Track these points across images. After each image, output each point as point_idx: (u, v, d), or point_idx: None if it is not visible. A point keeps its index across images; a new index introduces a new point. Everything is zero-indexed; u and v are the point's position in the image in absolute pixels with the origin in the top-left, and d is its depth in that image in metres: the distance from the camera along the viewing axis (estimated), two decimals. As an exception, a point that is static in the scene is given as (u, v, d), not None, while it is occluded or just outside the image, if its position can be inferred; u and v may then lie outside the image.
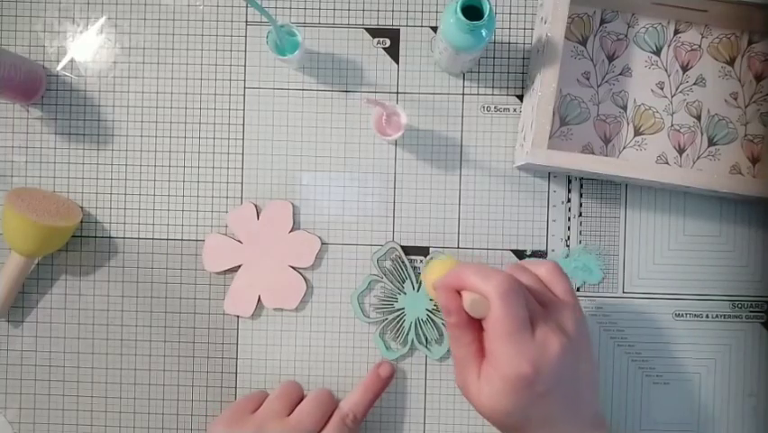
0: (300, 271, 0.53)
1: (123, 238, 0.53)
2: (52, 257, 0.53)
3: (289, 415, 0.47)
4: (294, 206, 0.53)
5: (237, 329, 0.53)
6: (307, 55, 0.53)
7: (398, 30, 0.53)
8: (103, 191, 0.53)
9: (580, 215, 0.53)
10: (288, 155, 0.53)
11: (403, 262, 0.52)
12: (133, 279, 0.53)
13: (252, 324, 0.53)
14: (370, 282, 0.52)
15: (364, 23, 0.53)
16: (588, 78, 0.52)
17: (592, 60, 0.52)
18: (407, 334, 0.52)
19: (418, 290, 0.52)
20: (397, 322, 0.52)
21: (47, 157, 0.53)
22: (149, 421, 0.53)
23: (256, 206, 0.53)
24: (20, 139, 0.53)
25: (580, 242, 0.53)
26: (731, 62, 0.52)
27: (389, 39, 0.53)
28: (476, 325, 0.41)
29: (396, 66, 0.53)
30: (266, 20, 0.45)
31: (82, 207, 0.53)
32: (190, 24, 0.53)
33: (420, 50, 0.53)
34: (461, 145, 0.53)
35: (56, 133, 0.53)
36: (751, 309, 0.53)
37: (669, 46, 0.52)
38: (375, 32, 0.53)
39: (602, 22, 0.52)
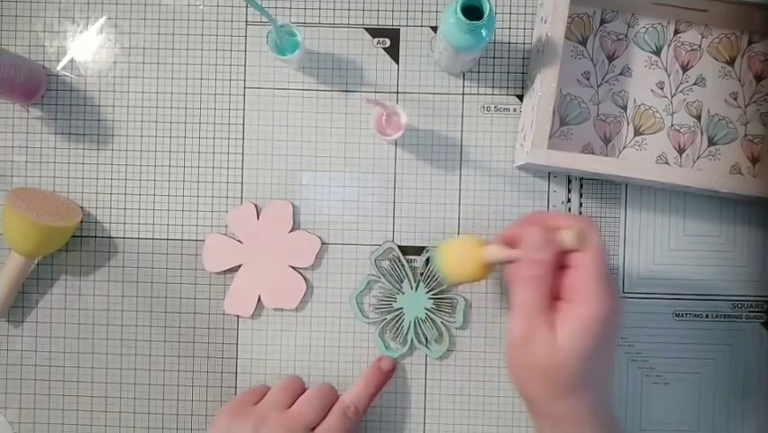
0: (300, 271, 0.53)
1: (123, 238, 0.53)
2: (52, 257, 0.53)
3: (291, 407, 0.47)
4: (294, 206, 0.53)
5: (237, 329, 0.53)
6: (307, 55, 0.53)
7: (398, 30, 0.53)
8: (103, 191, 0.53)
9: (580, 215, 0.53)
10: (288, 155, 0.53)
11: (401, 261, 0.52)
12: (133, 279, 0.53)
13: (252, 324, 0.53)
14: (368, 283, 0.52)
15: (364, 23, 0.53)
16: (588, 78, 0.52)
17: (592, 60, 0.52)
18: (407, 333, 0.52)
19: (417, 290, 0.52)
20: (397, 322, 0.52)
21: (47, 157, 0.53)
22: (149, 421, 0.53)
23: (256, 206, 0.53)
24: (20, 139, 0.53)
25: (580, 242, 0.53)
26: (731, 62, 0.52)
27: (389, 39, 0.53)
28: (553, 268, 0.41)
29: (396, 66, 0.53)
30: (266, 20, 0.45)
31: (82, 207, 0.53)
32: (190, 24, 0.53)
33: (420, 50, 0.53)
34: (461, 145, 0.53)
35: (56, 133, 0.53)
36: (751, 309, 0.53)
37: (669, 46, 0.52)
38: (375, 32, 0.53)
39: (602, 22, 0.52)
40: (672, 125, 0.52)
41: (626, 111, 0.52)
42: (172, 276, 0.53)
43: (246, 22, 0.53)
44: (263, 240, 0.52)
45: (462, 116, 0.53)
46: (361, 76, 0.53)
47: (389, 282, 0.52)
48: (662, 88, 0.52)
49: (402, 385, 0.53)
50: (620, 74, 0.52)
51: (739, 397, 0.52)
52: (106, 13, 0.53)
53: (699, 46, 0.52)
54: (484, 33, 0.44)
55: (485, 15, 0.42)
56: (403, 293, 0.52)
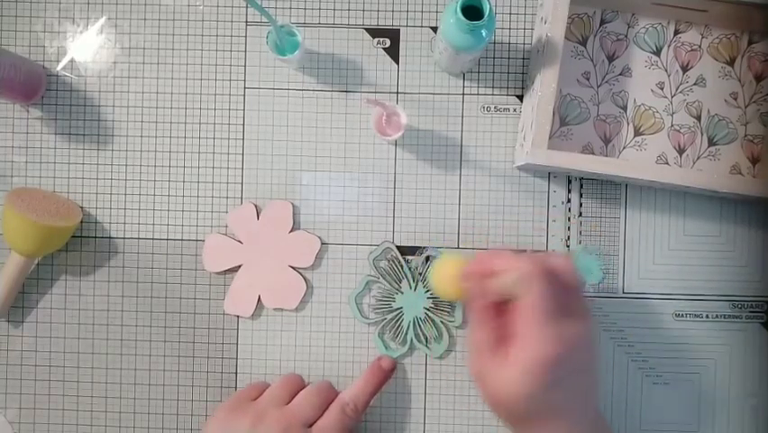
0: (300, 271, 0.53)
1: (123, 238, 0.53)
2: (52, 257, 0.53)
3: (289, 403, 0.47)
4: (294, 206, 0.53)
5: (237, 329, 0.53)
6: (307, 55, 0.53)
7: (398, 30, 0.53)
8: (103, 191, 0.53)
9: (580, 215, 0.53)
10: (288, 155, 0.53)
11: (399, 261, 0.52)
12: (133, 279, 0.53)
13: (252, 324, 0.53)
14: (367, 283, 0.52)
15: (364, 23, 0.53)
16: (588, 78, 0.52)
17: (592, 60, 0.52)
18: (406, 333, 0.52)
19: (415, 290, 0.52)
20: (396, 322, 0.52)
21: (47, 157, 0.53)
22: (149, 421, 0.53)
23: (256, 206, 0.53)
24: (20, 139, 0.53)
25: (580, 242, 0.53)
26: (731, 62, 0.52)
27: (389, 39, 0.53)
28: (499, 310, 0.41)
29: (396, 66, 0.53)
30: (266, 20, 0.45)
31: (82, 207, 0.53)
32: (190, 24, 0.53)
33: (420, 50, 0.53)
34: (461, 145, 0.53)
35: (56, 133, 0.53)
36: (751, 309, 0.53)
37: (669, 46, 0.52)
38: (375, 32, 0.53)
39: (602, 22, 0.52)
40: (672, 126, 0.52)
41: (626, 111, 0.52)
42: (172, 276, 0.53)
43: (246, 22, 0.53)
44: (263, 240, 0.52)
45: (462, 116, 0.53)
46: (361, 76, 0.53)
47: (388, 282, 0.52)
48: (662, 89, 0.52)
49: (402, 385, 0.53)
50: (620, 74, 0.52)
51: (739, 397, 0.52)
52: (106, 14, 0.53)
53: (699, 46, 0.52)
54: (484, 33, 0.44)
55: (485, 15, 0.42)
56: (402, 293, 0.52)
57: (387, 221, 0.53)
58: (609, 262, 0.53)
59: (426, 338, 0.52)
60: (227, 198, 0.53)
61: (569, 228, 0.53)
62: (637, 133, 0.52)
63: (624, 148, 0.52)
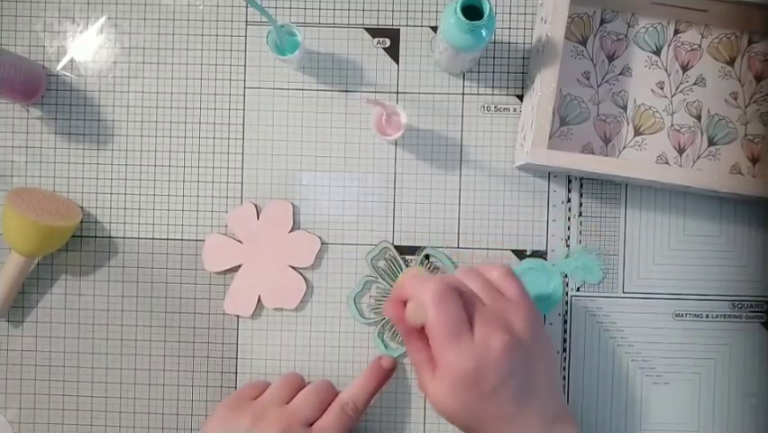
0: (300, 271, 0.53)
1: (123, 238, 0.53)
2: (52, 257, 0.53)
3: (289, 403, 0.47)
4: (294, 206, 0.53)
5: (237, 329, 0.53)
6: (307, 55, 0.53)
7: (398, 30, 0.53)
8: (103, 191, 0.53)
9: (580, 215, 0.53)
10: (288, 155, 0.53)
11: (397, 261, 0.52)
12: (133, 279, 0.53)
13: (252, 324, 0.53)
14: (365, 283, 0.52)
15: (364, 23, 0.53)
16: (588, 78, 0.52)
17: (592, 60, 0.52)
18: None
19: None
20: (397, 322, 0.52)
21: (47, 157, 0.53)
22: (149, 421, 0.53)
23: (256, 206, 0.53)
24: (20, 139, 0.53)
25: (580, 242, 0.53)
26: (731, 62, 0.52)
27: (389, 39, 0.53)
28: (424, 332, 0.42)
29: (396, 66, 0.53)
30: (266, 20, 0.45)
31: (82, 207, 0.53)
32: (190, 24, 0.53)
33: (420, 50, 0.53)
34: (461, 145, 0.53)
35: (56, 133, 0.53)
36: (751, 309, 0.53)
37: (669, 46, 0.52)
38: (375, 32, 0.53)
39: (602, 22, 0.52)
40: (671, 125, 0.52)
41: (626, 111, 0.52)
42: (172, 276, 0.53)
43: (246, 22, 0.53)
44: (263, 240, 0.52)
45: (462, 116, 0.53)
46: (361, 76, 0.53)
47: (387, 282, 0.52)
48: (662, 88, 0.52)
49: (402, 385, 0.53)
50: (620, 74, 0.52)
51: (739, 397, 0.52)
52: (106, 13, 0.53)
53: (699, 46, 0.52)
54: (484, 33, 0.44)
55: (485, 15, 0.42)
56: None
57: (386, 221, 0.53)
58: (609, 262, 0.53)
59: (426, 338, 0.52)
60: (227, 197, 0.53)
61: (569, 228, 0.53)
62: (637, 132, 0.52)
63: (624, 148, 0.52)
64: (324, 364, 0.53)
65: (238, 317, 0.53)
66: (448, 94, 0.53)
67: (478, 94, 0.53)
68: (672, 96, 0.52)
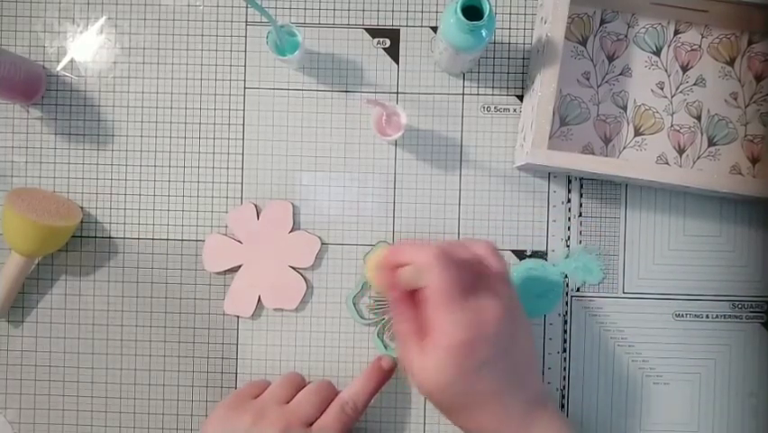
0: (300, 271, 0.53)
1: (123, 238, 0.53)
2: (52, 257, 0.53)
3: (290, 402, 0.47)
4: (294, 206, 0.53)
5: (237, 329, 0.53)
6: (307, 55, 0.53)
7: (398, 30, 0.53)
8: (103, 191, 0.53)
9: (580, 215, 0.53)
10: (288, 155, 0.53)
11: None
12: (133, 279, 0.53)
13: (252, 324, 0.53)
14: (363, 284, 0.52)
15: (364, 23, 0.53)
16: (588, 78, 0.52)
17: (592, 60, 0.52)
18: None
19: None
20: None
21: (47, 157, 0.53)
22: (149, 421, 0.53)
23: (256, 206, 0.53)
24: (20, 139, 0.53)
25: (580, 242, 0.53)
26: (731, 62, 0.52)
27: (389, 39, 0.53)
28: (416, 301, 0.42)
29: (396, 66, 0.53)
30: (266, 20, 0.45)
31: (82, 207, 0.53)
32: (190, 24, 0.53)
33: (420, 50, 0.53)
34: (461, 145, 0.53)
35: (56, 133, 0.53)
36: (751, 309, 0.53)
37: (669, 46, 0.52)
38: (375, 32, 0.53)
39: (602, 22, 0.52)
40: (672, 126, 0.52)
41: (626, 111, 0.52)
42: (172, 276, 0.53)
43: (246, 22, 0.53)
44: (263, 240, 0.52)
45: (462, 116, 0.53)
46: (361, 76, 0.53)
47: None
48: (662, 89, 0.52)
49: (402, 385, 0.53)
50: (620, 74, 0.52)
51: (739, 397, 0.53)
52: (106, 14, 0.53)
53: (699, 46, 0.52)
54: (484, 33, 0.44)
55: (485, 15, 0.42)
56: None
57: (386, 221, 0.53)
58: (609, 262, 0.53)
59: (426, 338, 0.52)
60: (227, 198, 0.53)
61: (569, 228, 0.53)
62: (637, 133, 0.52)
63: (624, 148, 0.52)
64: (324, 364, 0.53)
65: (238, 317, 0.53)
66: (448, 94, 0.53)
67: (478, 94, 0.53)
68: (671, 97, 0.52)
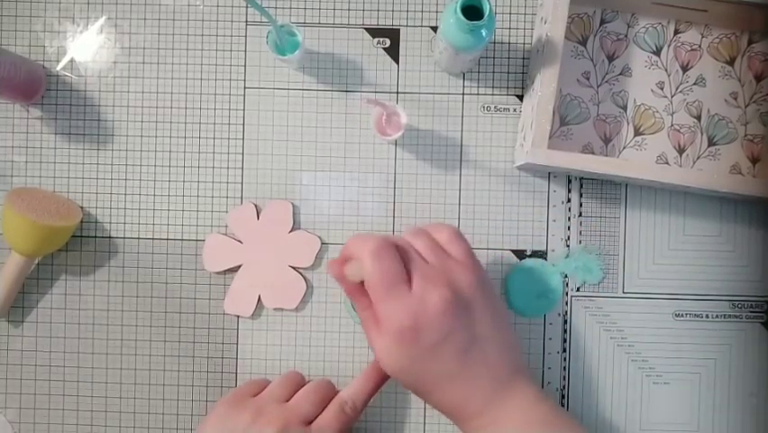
0: (300, 271, 0.53)
1: (123, 238, 0.53)
2: (52, 257, 0.53)
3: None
4: (294, 206, 0.53)
5: (237, 329, 0.53)
6: (307, 55, 0.53)
7: (398, 30, 0.53)
8: (103, 191, 0.53)
9: (580, 215, 0.53)
10: (288, 155, 0.53)
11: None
12: (133, 279, 0.53)
13: (252, 324, 0.53)
14: None
15: (364, 23, 0.53)
16: (588, 78, 0.52)
17: (592, 60, 0.52)
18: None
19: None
20: (397, 322, 0.52)
21: (47, 157, 0.53)
22: (149, 421, 0.53)
23: (256, 206, 0.53)
24: (20, 139, 0.53)
25: (580, 242, 0.53)
26: (731, 62, 0.52)
27: (389, 39, 0.53)
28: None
29: (396, 66, 0.53)
30: (266, 20, 0.45)
31: (82, 207, 0.53)
32: (190, 24, 0.53)
33: (420, 50, 0.53)
34: (461, 145, 0.53)
35: (56, 133, 0.53)
36: (751, 309, 0.53)
37: (669, 46, 0.52)
38: (375, 32, 0.53)
39: (602, 22, 0.52)
40: (671, 125, 0.52)
41: (626, 111, 0.52)
42: (172, 276, 0.53)
43: (246, 22, 0.53)
44: (263, 240, 0.52)
45: (462, 116, 0.53)
46: (361, 76, 0.53)
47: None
48: (662, 88, 0.52)
49: (402, 385, 0.53)
50: (620, 74, 0.52)
51: (739, 397, 0.52)
52: (106, 13, 0.53)
53: (699, 46, 0.52)
54: (484, 33, 0.44)
55: (485, 15, 0.42)
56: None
57: (386, 221, 0.53)
58: (609, 262, 0.53)
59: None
60: (227, 198, 0.53)
61: (569, 228, 0.53)
62: (637, 132, 0.52)
63: (624, 148, 0.52)
64: (324, 364, 0.53)
65: (238, 317, 0.53)
66: (448, 94, 0.53)
67: (478, 94, 0.53)
68: (672, 96, 0.52)
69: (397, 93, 0.53)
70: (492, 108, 0.53)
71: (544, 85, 0.46)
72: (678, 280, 0.53)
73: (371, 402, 0.49)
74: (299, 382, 0.49)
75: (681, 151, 0.52)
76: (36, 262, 0.53)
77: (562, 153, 0.47)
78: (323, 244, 0.53)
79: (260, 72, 0.53)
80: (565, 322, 0.53)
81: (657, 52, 0.52)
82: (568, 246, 0.53)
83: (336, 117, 0.53)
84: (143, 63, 0.53)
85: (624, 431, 0.52)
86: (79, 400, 0.53)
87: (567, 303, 0.53)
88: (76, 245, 0.53)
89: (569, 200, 0.53)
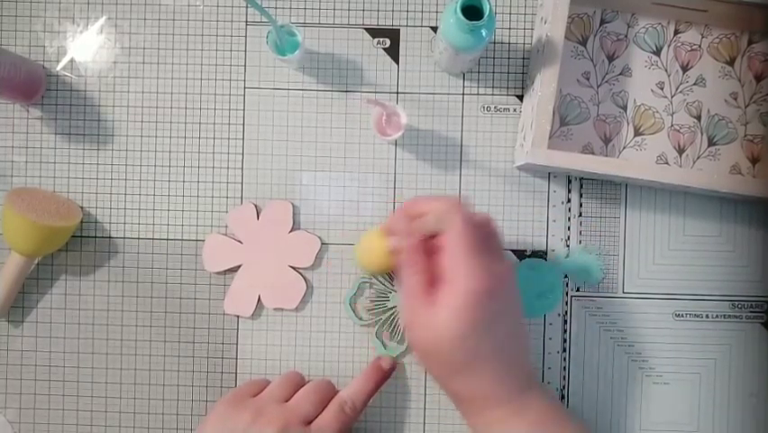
0: (300, 271, 0.53)
1: (123, 238, 0.53)
2: (52, 257, 0.53)
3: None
4: (294, 206, 0.53)
5: (237, 329, 0.53)
6: (307, 55, 0.53)
7: (398, 30, 0.53)
8: (103, 191, 0.53)
9: (580, 215, 0.53)
10: (288, 155, 0.53)
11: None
12: (133, 279, 0.53)
13: (252, 324, 0.53)
14: (359, 285, 0.52)
15: (364, 23, 0.53)
16: (588, 78, 0.52)
17: (592, 60, 0.52)
18: (402, 331, 0.52)
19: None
20: (392, 320, 0.52)
21: (47, 157, 0.53)
22: (149, 421, 0.53)
23: (256, 206, 0.53)
24: (20, 139, 0.53)
25: (580, 242, 0.53)
26: (731, 62, 0.52)
27: (389, 39, 0.53)
28: (429, 252, 0.42)
29: (396, 66, 0.53)
30: (266, 20, 0.45)
31: (82, 207, 0.53)
32: (190, 24, 0.53)
33: (420, 50, 0.53)
34: (461, 145, 0.53)
35: (56, 133, 0.53)
36: (751, 309, 0.53)
37: (669, 46, 0.52)
38: (375, 32, 0.53)
39: (602, 22, 0.52)
40: (672, 125, 0.52)
41: (626, 111, 0.52)
42: (172, 276, 0.53)
43: (246, 22, 0.53)
44: (263, 240, 0.52)
45: (462, 116, 0.53)
46: (361, 76, 0.53)
47: (381, 282, 0.52)
48: (662, 88, 0.52)
49: (402, 385, 0.53)
50: (620, 74, 0.52)
51: (739, 397, 0.53)
52: (106, 14, 0.53)
53: (699, 46, 0.52)
54: (484, 33, 0.44)
55: (485, 15, 0.42)
56: (396, 292, 0.52)
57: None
58: (609, 262, 0.53)
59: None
60: (227, 198, 0.53)
61: (569, 228, 0.53)
62: (637, 133, 0.52)
63: (624, 148, 0.52)
64: (323, 364, 0.53)
65: (238, 317, 0.53)
66: (448, 94, 0.53)
67: (478, 94, 0.53)
68: (672, 97, 0.52)
69: (397, 93, 0.53)
70: (492, 108, 0.53)
71: (544, 85, 0.46)
72: (678, 280, 0.53)
73: (371, 402, 0.49)
74: (299, 383, 0.49)
75: (681, 151, 0.52)
76: (36, 262, 0.53)
77: (562, 153, 0.47)
78: (323, 244, 0.53)
79: (260, 72, 0.53)
80: (565, 322, 0.53)
81: (657, 52, 0.52)
82: (568, 246, 0.53)
83: (336, 117, 0.53)
84: (143, 63, 0.53)
85: (624, 431, 0.52)
86: (79, 400, 0.53)
87: (567, 303, 0.53)
88: (76, 245, 0.53)
89: (569, 200, 0.53)
